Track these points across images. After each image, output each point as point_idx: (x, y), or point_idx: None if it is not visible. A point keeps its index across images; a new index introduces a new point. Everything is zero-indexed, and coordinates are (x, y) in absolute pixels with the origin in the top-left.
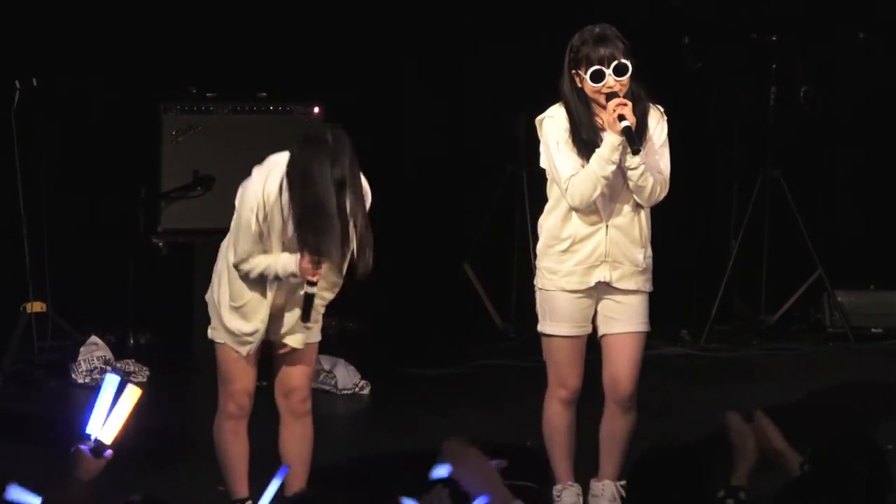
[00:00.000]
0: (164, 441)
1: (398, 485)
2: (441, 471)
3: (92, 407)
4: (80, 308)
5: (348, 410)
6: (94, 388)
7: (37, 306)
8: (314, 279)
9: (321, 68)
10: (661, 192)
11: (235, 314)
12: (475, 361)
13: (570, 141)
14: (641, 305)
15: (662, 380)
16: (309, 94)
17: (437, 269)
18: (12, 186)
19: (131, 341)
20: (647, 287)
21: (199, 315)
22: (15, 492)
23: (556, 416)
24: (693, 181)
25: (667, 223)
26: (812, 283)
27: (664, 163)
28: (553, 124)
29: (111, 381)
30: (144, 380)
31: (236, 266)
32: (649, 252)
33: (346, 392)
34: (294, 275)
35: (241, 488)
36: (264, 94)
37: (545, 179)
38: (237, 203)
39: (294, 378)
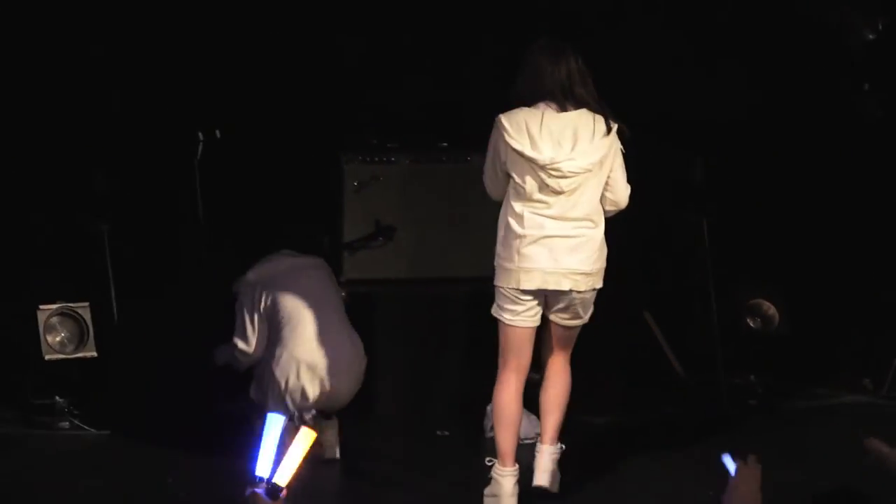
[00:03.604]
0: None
1: None
2: (728, 462)
3: (258, 449)
4: None
5: (531, 459)
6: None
7: None
8: None
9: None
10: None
11: None
12: (656, 410)
13: None
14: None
15: (844, 429)
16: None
17: (619, 317)
18: (197, 238)
19: None
20: None
21: (380, 363)
22: None
23: None
24: (863, 225)
25: (843, 270)
26: None
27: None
28: None
29: (274, 421)
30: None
31: None
32: None
33: (528, 441)
34: None
35: None
36: (445, 143)
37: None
38: None
39: None
